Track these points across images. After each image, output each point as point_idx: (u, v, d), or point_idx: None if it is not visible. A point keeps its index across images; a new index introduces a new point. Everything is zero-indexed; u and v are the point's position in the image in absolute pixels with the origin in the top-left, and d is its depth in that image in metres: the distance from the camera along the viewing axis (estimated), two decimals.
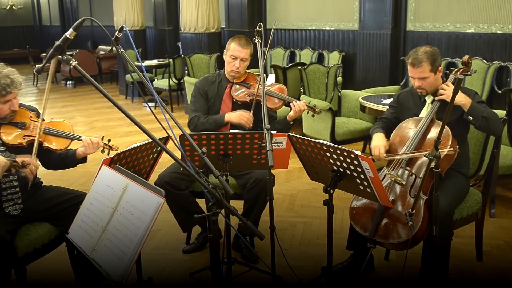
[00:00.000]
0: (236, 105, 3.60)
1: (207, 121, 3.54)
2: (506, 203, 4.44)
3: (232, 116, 3.50)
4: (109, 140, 3.09)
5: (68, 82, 12.64)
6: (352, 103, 5.86)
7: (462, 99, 2.96)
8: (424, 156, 2.49)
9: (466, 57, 3.07)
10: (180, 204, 3.39)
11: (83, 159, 3.02)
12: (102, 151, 3.03)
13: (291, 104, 3.43)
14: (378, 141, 3.13)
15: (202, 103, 3.64)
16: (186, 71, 8.32)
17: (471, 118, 2.96)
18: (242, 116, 3.47)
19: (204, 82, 3.69)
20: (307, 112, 3.53)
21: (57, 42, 1.80)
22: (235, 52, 3.54)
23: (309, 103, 3.50)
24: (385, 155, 3.04)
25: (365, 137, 5.65)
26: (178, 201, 3.37)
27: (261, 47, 2.93)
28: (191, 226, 3.61)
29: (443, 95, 3.02)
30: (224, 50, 3.64)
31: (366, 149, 5.98)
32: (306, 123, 5.75)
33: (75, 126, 3.04)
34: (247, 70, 3.68)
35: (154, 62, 9.94)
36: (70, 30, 1.80)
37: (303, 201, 4.63)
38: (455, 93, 2.33)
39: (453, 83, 3.06)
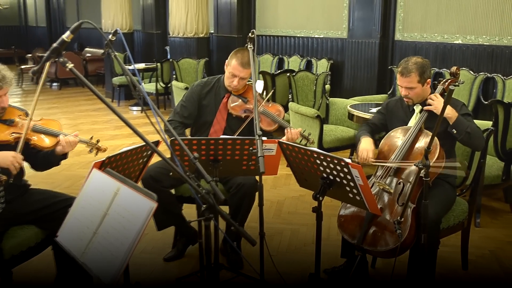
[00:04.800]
0: (231, 117, 3.59)
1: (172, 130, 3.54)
2: (491, 212, 4.51)
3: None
4: (97, 141, 3.08)
5: (53, 84, 12.56)
6: (340, 111, 5.91)
7: (449, 112, 3.01)
8: (414, 165, 2.52)
9: (454, 68, 3.13)
10: (160, 201, 3.37)
11: (64, 155, 2.99)
12: (90, 151, 3.02)
13: (285, 130, 3.39)
14: (367, 144, 3.18)
15: (189, 110, 3.60)
16: (174, 76, 8.32)
17: (455, 131, 3.01)
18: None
19: (202, 87, 3.66)
20: (300, 140, 3.50)
21: (54, 45, 1.80)
22: (235, 70, 3.49)
23: (303, 131, 3.45)
24: (372, 160, 3.07)
25: (353, 145, 5.69)
26: (159, 198, 3.35)
27: (253, 53, 2.95)
28: (166, 226, 3.58)
29: (431, 106, 3.07)
30: (226, 60, 3.57)
31: (353, 157, 6.02)
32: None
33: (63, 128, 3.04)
34: (250, 85, 3.66)
35: (141, 65, 9.93)
36: (68, 32, 1.80)
37: (290, 208, 4.64)
38: (445, 104, 2.37)
39: (441, 94, 3.11)
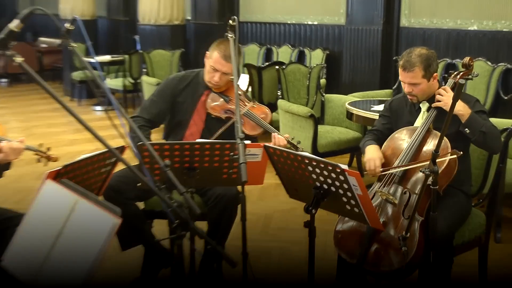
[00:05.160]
0: (210, 118, 3.59)
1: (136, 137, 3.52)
2: None
3: None
4: (48, 149, 3.05)
5: (1, 80, 12.47)
6: (337, 109, 5.93)
7: (460, 109, 3.03)
8: (420, 171, 2.54)
9: (467, 59, 3.16)
10: (124, 216, 3.34)
11: (6, 165, 2.95)
12: (39, 161, 3.00)
13: (272, 135, 3.39)
14: (373, 153, 3.19)
15: (160, 107, 3.59)
16: (144, 70, 8.31)
17: (467, 130, 3.03)
18: None
19: (178, 82, 3.66)
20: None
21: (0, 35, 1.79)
22: (217, 64, 3.48)
23: (292, 139, 3.42)
24: (381, 169, 3.09)
25: (352, 149, 5.72)
26: (122, 212, 3.33)
27: (235, 44, 2.95)
28: (133, 245, 3.55)
29: (440, 101, 3.09)
30: (207, 52, 3.57)
31: (353, 162, 6.05)
32: (283, 131, 5.77)
33: (9, 133, 2.99)
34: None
35: (106, 58, 9.89)
36: (16, 21, 1.78)
37: (279, 223, 4.65)
38: (455, 100, 2.39)
39: (452, 89, 3.14)
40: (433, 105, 3.14)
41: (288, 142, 3.39)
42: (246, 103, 3.59)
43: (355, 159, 6.00)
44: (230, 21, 2.95)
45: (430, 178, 2.47)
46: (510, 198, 4.38)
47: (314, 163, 2.50)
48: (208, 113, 3.59)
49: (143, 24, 8.98)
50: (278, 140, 3.35)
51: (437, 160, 2.51)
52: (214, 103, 3.58)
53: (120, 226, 3.00)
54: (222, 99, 3.59)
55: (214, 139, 3.44)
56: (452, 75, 3.23)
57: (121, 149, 2.62)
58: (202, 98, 3.60)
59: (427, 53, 3.14)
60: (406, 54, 3.17)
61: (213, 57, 3.50)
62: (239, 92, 3.46)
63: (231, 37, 2.97)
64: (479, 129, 3.01)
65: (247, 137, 3.37)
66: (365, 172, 3.21)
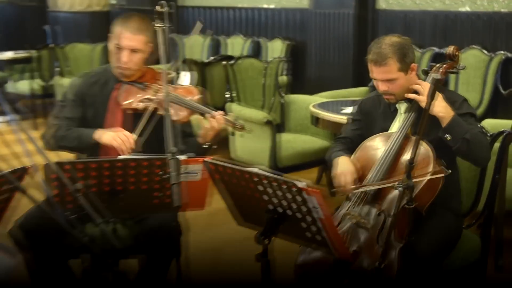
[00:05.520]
0: (127, 116, 3.56)
1: (70, 134, 3.52)
2: None
3: (104, 136, 3.43)
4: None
5: None
6: (301, 113, 5.98)
7: (441, 110, 3.05)
8: (393, 187, 2.60)
9: (451, 48, 3.21)
10: (45, 265, 3.33)
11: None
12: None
13: (205, 115, 3.43)
14: (343, 166, 3.22)
15: (73, 111, 3.61)
16: (58, 69, 8.23)
17: (448, 137, 3.05)
18: (117, 138, 3.39)
19: (82, 82, 3.67)
20: (232, 133, 3.58)
21: None
22: (121, 39, 3.48)
23: (235, 119, 3.47)
24: (353, 186, 3.12)
25: (321, 162, 5.74)
26: (43, 262, 3.31)
27: (164, 36, 2.97)
28: None
29: (417, 94, 3.12)
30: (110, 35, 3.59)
31: (323, 179, 6.08)
32: (234, 142, 5.81)
33: None
34: (149, 66, 3.67)
35: (7, 55, 9.76)
36: None
37: (232, 257, 4.65)
38: (430, 98, 2.45)
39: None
40: (408, 96, 3.16)
41: (226, 120, 3.41)
42: (169, 86, 3.49)
43: (324, 174, 6.02)
44: (158, 7, 2.97)
45: (405, 195, 2.52)
46: None
47: (265, 181, 2.49)
48: (123, 109, 3.56)
49: (56, 11, 8.92)
50: (216, 118, 3.38)
51: (420, 179, 2.55)
52: (127, 95, 3.55)
53: (44, 279, 3.02)
54: (136, 88, 3.56)
55: (137, 139, 3.42)
56: (434, 68, 3.25)
57: (22, 171, 2.60)
58: (113, 93, 3.59)
59: (400, 40, 3.20)
60: (374, 45, 3.23)
61: (115, 32, 3.52)
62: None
63: (160, 26, 2.99)
64: (462, 135, 3.02)
65: (182, 125, 3.42)
66: (334, 190, 3.25)
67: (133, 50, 3.49)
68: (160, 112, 3.37)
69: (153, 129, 3.43)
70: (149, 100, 3.49)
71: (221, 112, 3.44)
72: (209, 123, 3.40)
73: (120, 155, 3.31)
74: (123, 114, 3.58)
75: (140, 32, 3.48)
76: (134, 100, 3.54)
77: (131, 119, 3.54)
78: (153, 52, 3.59)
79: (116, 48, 3.51)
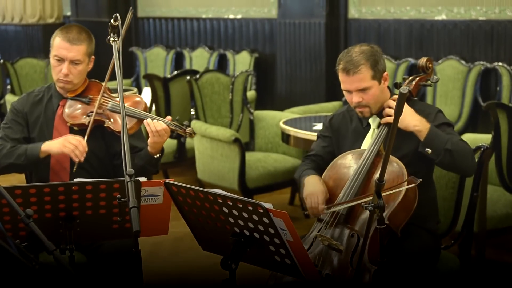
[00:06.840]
0: (75, 133, 3.57)
1: (15, 151, 3.51)
2: (507, 271, 4.56)
3: (53, 144, 3.46)
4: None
5: None
6: (271, 130, 5.98)
7: (416, 123, 3.08)
8: (362, 206, 2.56)
9: (423, 60, 3.23)
10: None
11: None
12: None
13: (144, 122, 3.43)
14: (314, 186, 3.20)
15: (16, 131, 3.61)
16: (8, 86, 8.15)
17: (429, 151, 3.06)
18: (67, 143, 3.42)
19: (25, 101, 3.69)
20: (174, 134, 3.51)
21: None
22: (60, 50, 3.51)
23: (176, 119, 3.50)
24: (325, 206, 3.10)
25: (293, 182, 5.72)
26: None
27: (118, 50, 2.92)
28: None
29: (390, 116, 3.10)
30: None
31: (296, 199, 6.06)
32: (201, 162, 5.79)
33: None
34: (93, 80, 3.71)
35: None
36: None
37: (199, 284, 4.60)
38: (398, 113, 2.41)
39: (407, 99, 3.17)
40: (382, 121, 3.19)
41: (169, 125, 3.41)
42: (111, 97, 3.61)
43: (298, 194, 5.99)
44: (112, 21, 2.94)
45: (375, 215, 2.49)
46: (495, 235, 4.41)
47: (230, 203, 2.49)
48: (70, 126, 3.59)
49: (4, 24, 8.82)
50: (154, 124, 3.36)
51: (388, 192, 2.53)
52: (72, 111, 3.59)
53: None
54: (81, 103, 3.60)
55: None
56: (407, 81, 3.28)
57: None
58: (59, 111, 3.62)
59: (370, 48, 3.22)
60: (344, 55, 3.24)
61: (54, 44, 3.56)
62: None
63: (114, 40, 2.95)
64: (443, 146, 3.04)
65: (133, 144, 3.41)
66: (306, 212, 3.21)
67: (73, 62, 3.53)
68: (106, 124, 3.50)
69: (96, 144, 3.56)
70: (95, 113, 3.52)
71: (169, 117, 3.46)
72: (149, 127, 3.38)
73: (74, 162, 3.42)
74: (70, 131, 3.59)
75: (79, 42, 3.55)
76: (79, 115, 3.59)
77: (79, 135, 3.54)
78: (93, 63, 3.68)
79: (56, 61, 3.55)
